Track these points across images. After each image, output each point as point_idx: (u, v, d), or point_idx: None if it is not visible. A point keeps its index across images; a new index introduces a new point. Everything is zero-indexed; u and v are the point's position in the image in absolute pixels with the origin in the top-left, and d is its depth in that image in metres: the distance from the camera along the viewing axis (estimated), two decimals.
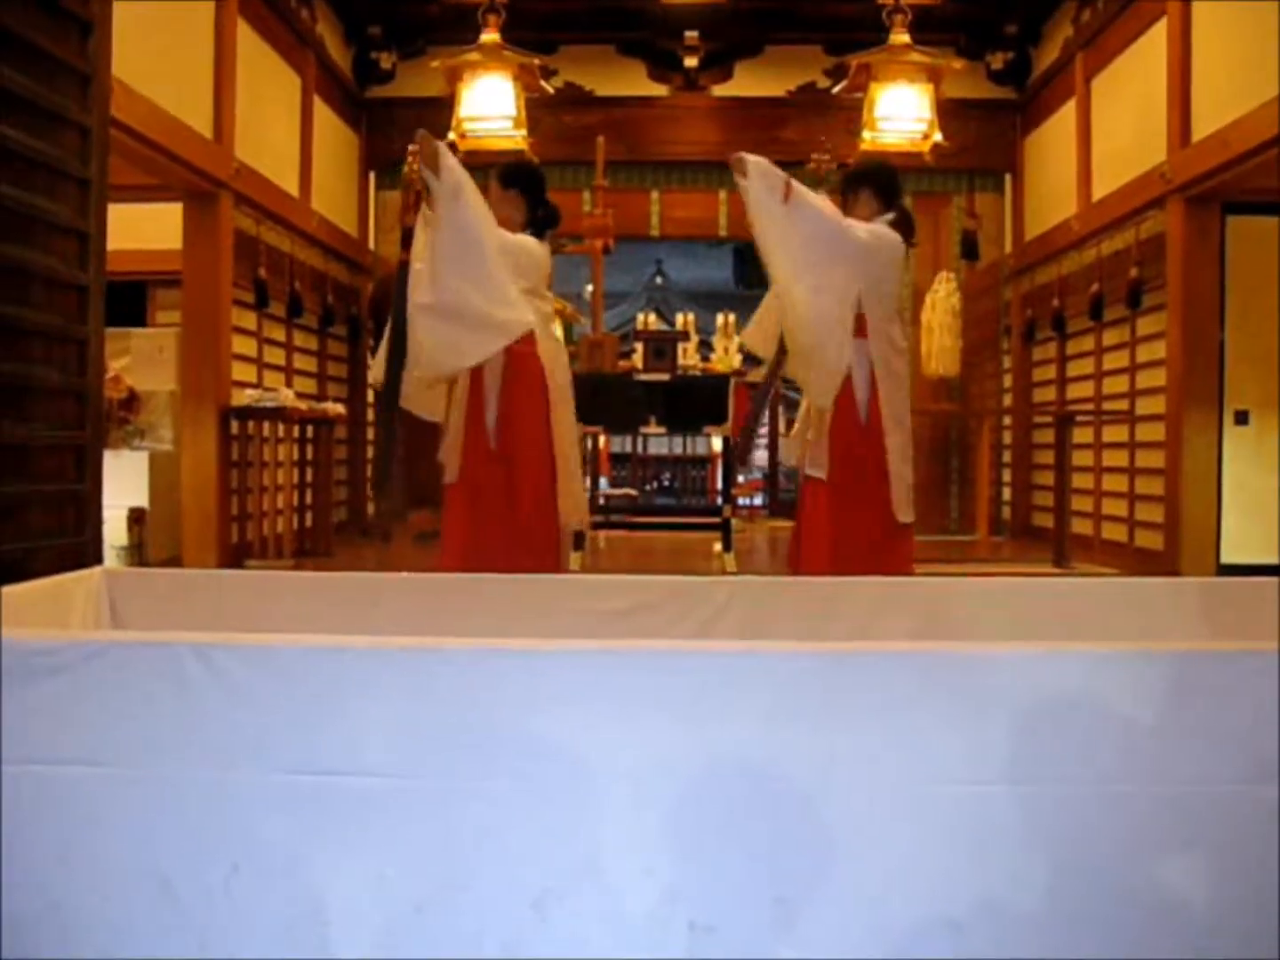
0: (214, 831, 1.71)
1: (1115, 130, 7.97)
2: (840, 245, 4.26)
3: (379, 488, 4.13)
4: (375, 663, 1.71)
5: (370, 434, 9.91)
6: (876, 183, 4.50)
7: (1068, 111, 8.74)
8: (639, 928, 1.65)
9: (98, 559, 3.25)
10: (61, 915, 1.72)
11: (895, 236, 4.42)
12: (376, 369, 4.43)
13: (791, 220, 4.19)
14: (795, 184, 4.25)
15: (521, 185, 4.55)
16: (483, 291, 4.06)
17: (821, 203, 4.37)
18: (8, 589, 2.41)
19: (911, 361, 5.06)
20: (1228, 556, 7.06)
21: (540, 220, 4.53)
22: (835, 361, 4.26)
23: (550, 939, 1.65)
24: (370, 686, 1.69)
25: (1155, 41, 7.29)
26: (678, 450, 15.41)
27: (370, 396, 9.89)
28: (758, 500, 12.99)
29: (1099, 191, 8.16)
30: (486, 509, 4.32)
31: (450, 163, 4.04)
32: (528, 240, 4.45)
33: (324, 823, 1.69)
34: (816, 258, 4.21)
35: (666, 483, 14.98)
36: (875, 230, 4.38)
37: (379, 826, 1.68)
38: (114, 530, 6.38)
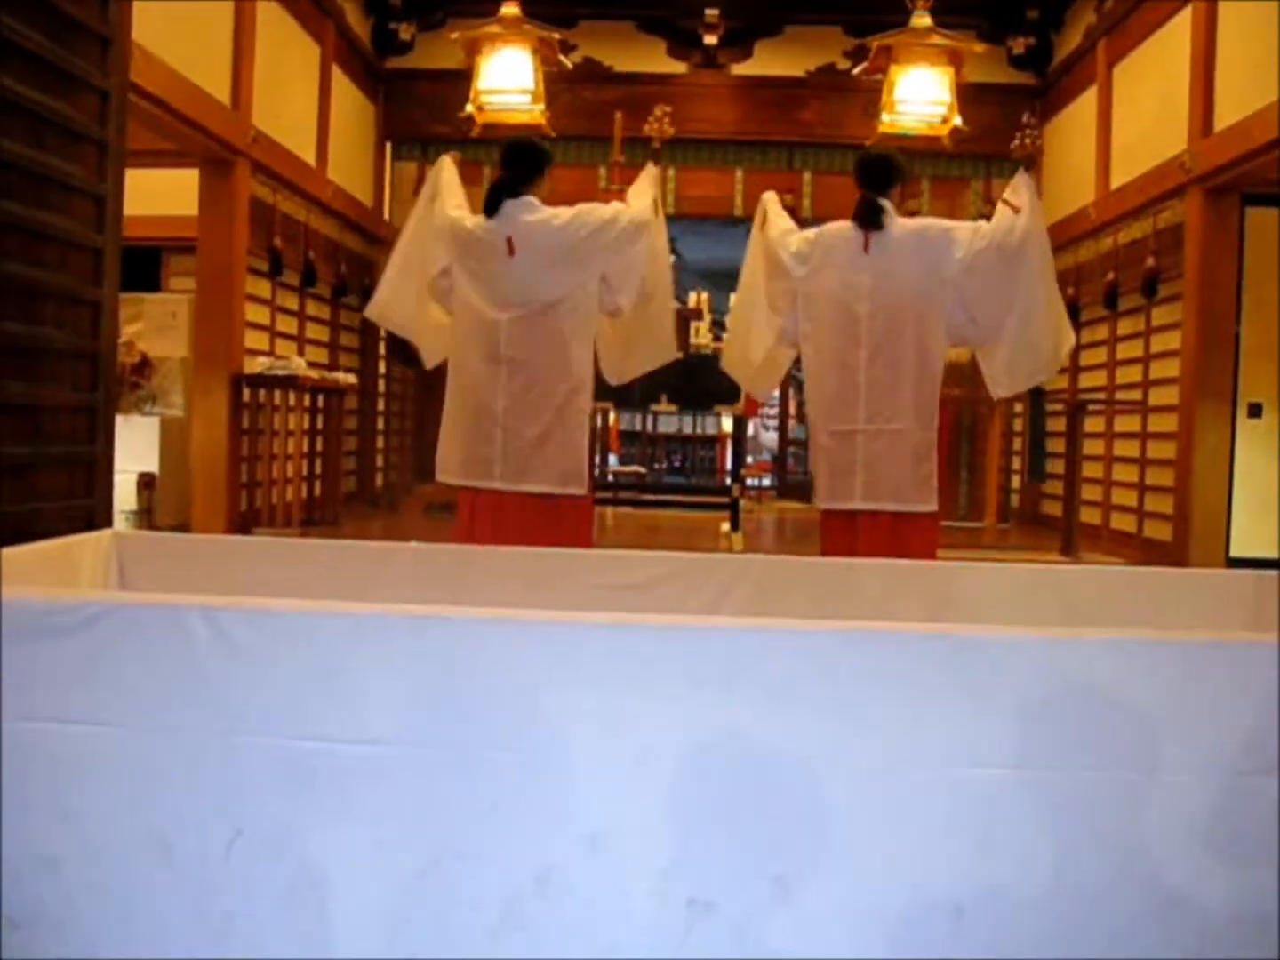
0: (217, 795, 1.71)
1: (1136, 118, 7.92)
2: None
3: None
4: (382, 630, 1.71)
5: (381, 405, 9.92)
6: (862, 178, 4.48)
7: (1088, 99, 8.69)
8: (639, 903, 1.65)
9: (107, 522, 3.25)
10: (61, 872, 1.73)
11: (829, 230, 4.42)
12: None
13: None
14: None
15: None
16: None
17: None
18: (17, 548, 2.41)
19: None
20: (1237, 550, 7.04)
21: None
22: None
23: (551, 911, 1.66)
24: (377, 653, 1.70)
25: (1179, 30, 7.24)
26: (687, 429, 15.40)
27: (382, 366, 9.90)
28: (766, 481, 12.98)
29: (1117, 180, 8.12)
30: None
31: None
32: None
33: (327, 789, 1.69)
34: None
35: (675, 461, 14.96)
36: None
37: (382, 794, 1.68)
38: (123, 495, 6.40)
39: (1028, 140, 4.41)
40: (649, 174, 4.45)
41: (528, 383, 4.17)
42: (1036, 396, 4.34)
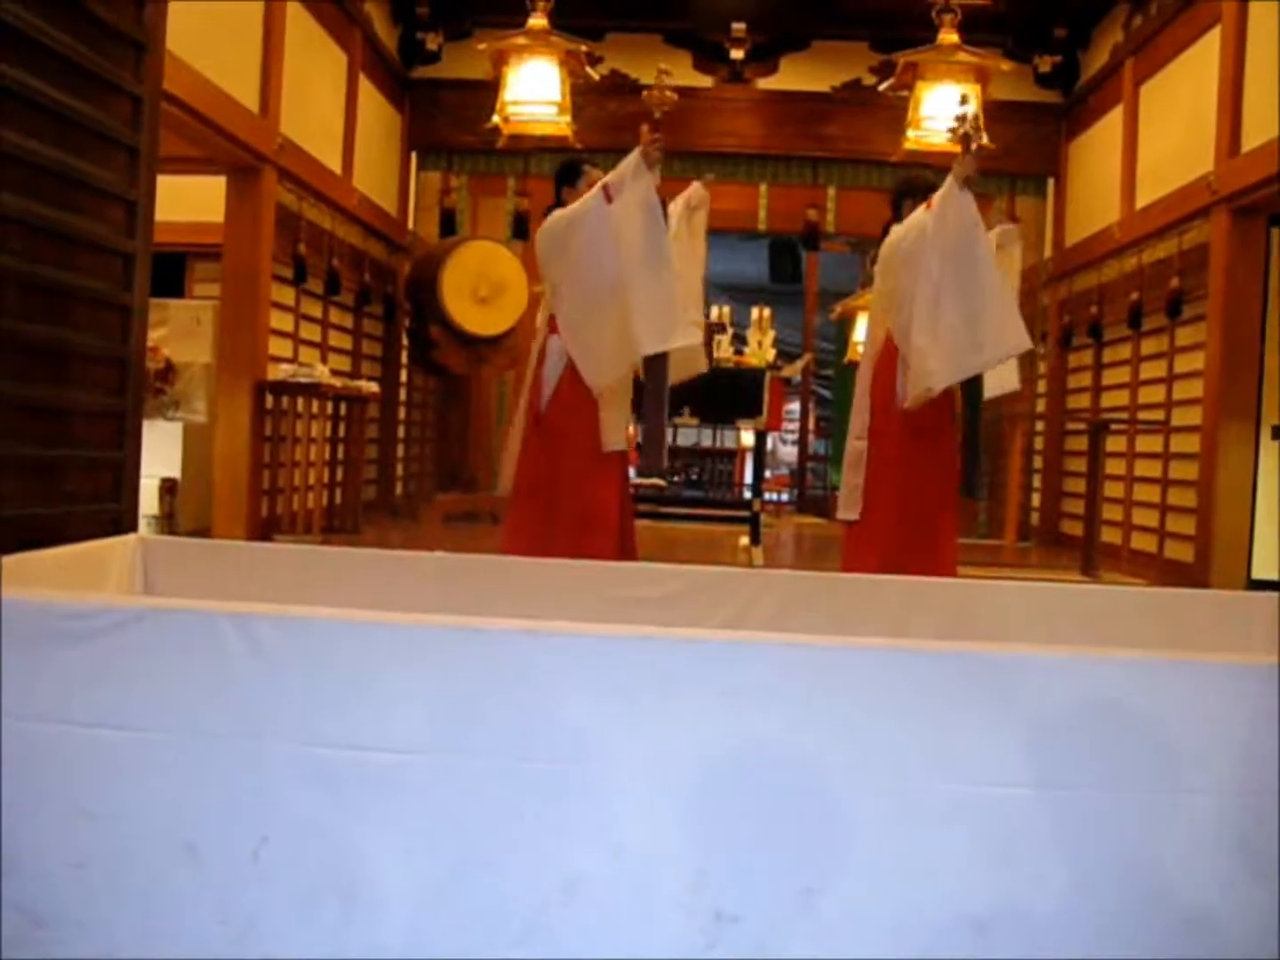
0: (244, 801, 1.72)
1: (1162, 138, 7.91)
2: None
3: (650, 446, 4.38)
4: (411, 640, 1.72)
5: (402, 413, 9.94)
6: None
7: (1114, 117, 8.68)
8: (666, 915, 1.66)
9: (133, 526, 3.27)
10: (88, 874, 1.74)
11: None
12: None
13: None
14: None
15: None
16: None
17: None
18: (46, 551, 2.43)
19: None
20: (1259, 572, 7.00)
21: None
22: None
23: (575, 921, 1.66)
24: (405, 663, 1.71)
25: (1207, 50, 7.23)
26: (706, 442, 15.40)
27: (404, 375, 9.93)
28: (784, 496, 12.97)
29: (1143, 199, 8.10)
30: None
31: None
32: None
33: (354, 797, 1.70)
34: None
35: (694, 475, 14.96)
36: None
37: (409, 803, 1.69)
38: (145, 499, 6.41)
39: (964, 123, 4.44)
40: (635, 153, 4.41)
41: None
42: (973, 398, 4.28)
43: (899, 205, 4.61)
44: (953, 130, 4.50)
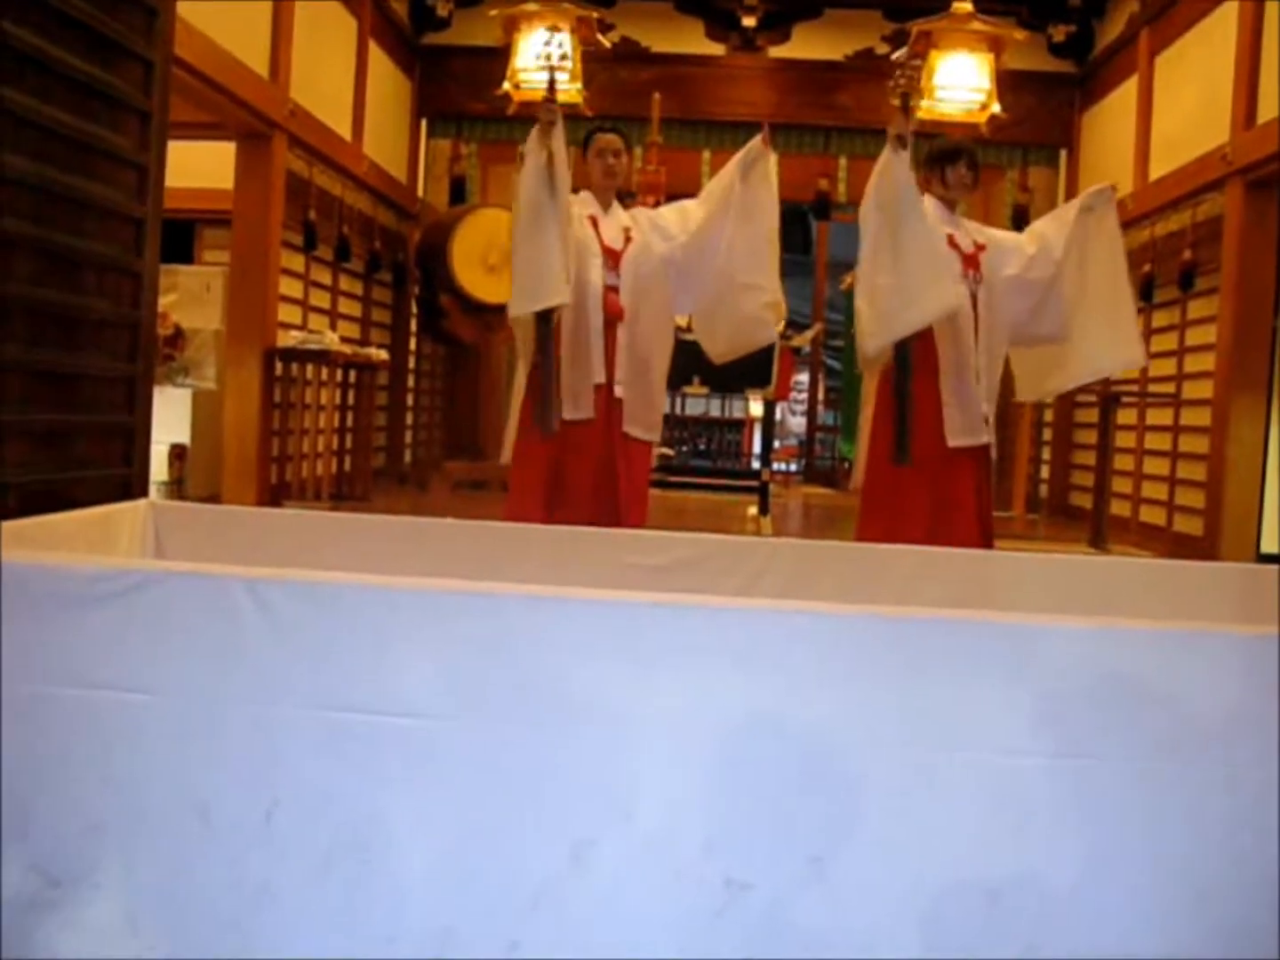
0: (256, 765, 1.73)
1: (1176, 109, 7.86)
2: None
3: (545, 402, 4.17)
4: (423, 605, 1.72)
5: (411, 381, 9.94)
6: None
7: (1129, 88, 8.63)
8: (675, 882, 1.66)
9: (143, 491, 3.27)
10: (102, 836, 1.75)
11: None
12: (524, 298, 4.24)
13: None
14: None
15: None
16: None
17: None
18: (58, 515, 2.44)
19: None
20: (1267, 546, 7.01)
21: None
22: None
23: (587, 888, 1.66)
24: (418, 628, 1.71)
25: (1224, 21, 7.18)
26: (714, 412, 15.38)
27: (413, 342, 9.92)
28: (792, 467, 12.96)
29: (1156, 171, 8.06)
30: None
31: None
32: None
33: (366, 761, 1.70)
34: None
35: (701, 444, 14.94)
36: None
37: (420, 767, 1.69)
38: (155, 465, 6.42)
39: (903, 79, 4.42)
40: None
41: None
42: (903, 362, 4.24)
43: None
44: (891, 87, 4.46)
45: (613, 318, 4.31)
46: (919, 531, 4.21)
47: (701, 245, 4.35)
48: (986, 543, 4.28)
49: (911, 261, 4.12)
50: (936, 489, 4.31)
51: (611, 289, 4.30)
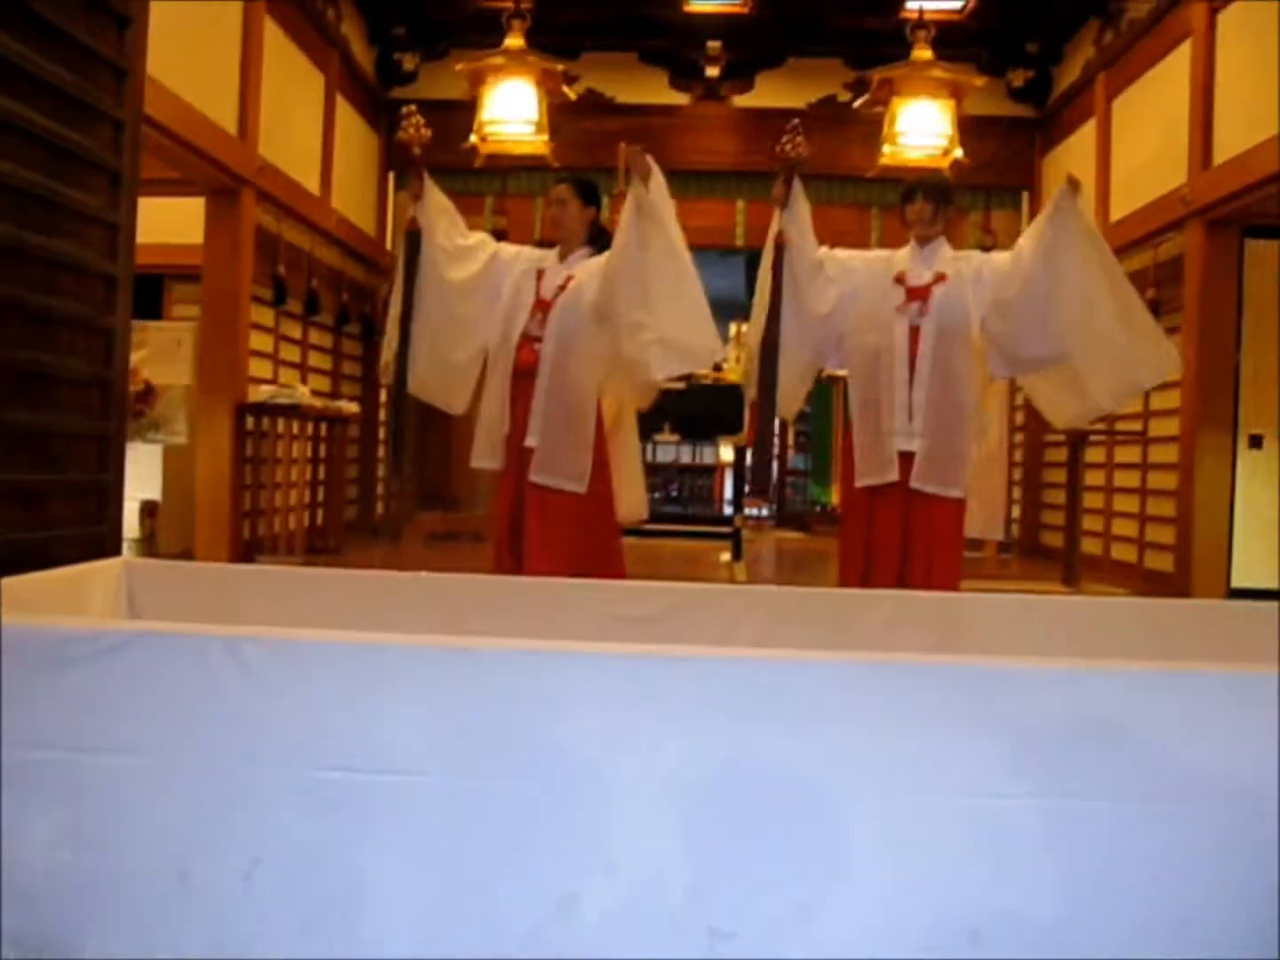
0: (236, 824, 1.72)
1: (1135, 151, 7.98)
2: None
3: (391, 477, 4.17)
4: (403, 660, 1.73)
5: (382, 434, 9.93)
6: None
7: (1088, 131, 8.75)
8: (660, 931, 1.66)
9: (117, 549, 3.26)
10: (82, 898, 1.73)
11: None
12: (389, 349, 4.38)
13: None
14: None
15: (596, 203, 4.56)
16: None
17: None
18: (30, 575, 2.42)
19: None
20: (1238, 580, 7.05)
21: (600, 236, 4.50)
22: None
23: (571, 940, 1.66)
24: (397, 684, 1.71)
25: (1178, 64, 7.30)
26: (685, 459, 15.39)
27: (382, 395, 9.92)
28: (764, 512, 12.96)
29: (1117, 212, 8.17)
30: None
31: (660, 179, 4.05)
32: None
33: (347, 819, 1.70)
34: None
35: (674, 491, 14.95)
36: None
37: (403, 824, 1.69)
38: (127, 522, 6.36)
39: (789, 146, 4.45)
40: None
41: None
42: (768, 392, 4.27)
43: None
44: (782, 149, 4.48)
45: (523, 368, 4.27)
46: (854, 572, 4.28)
47: (605, 285, 4.14)
48: (926, 585, 4.15)
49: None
50: (871, 529, 4.35)
51: (533, 339, 4.26)
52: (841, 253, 4.47)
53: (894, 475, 4.26)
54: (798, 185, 4.40)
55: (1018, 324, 4.22)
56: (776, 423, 4.40)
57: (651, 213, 4.00)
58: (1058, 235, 4.15)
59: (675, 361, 4.04)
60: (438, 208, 4.41)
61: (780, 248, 4.32)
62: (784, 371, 4.25)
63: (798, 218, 4.35)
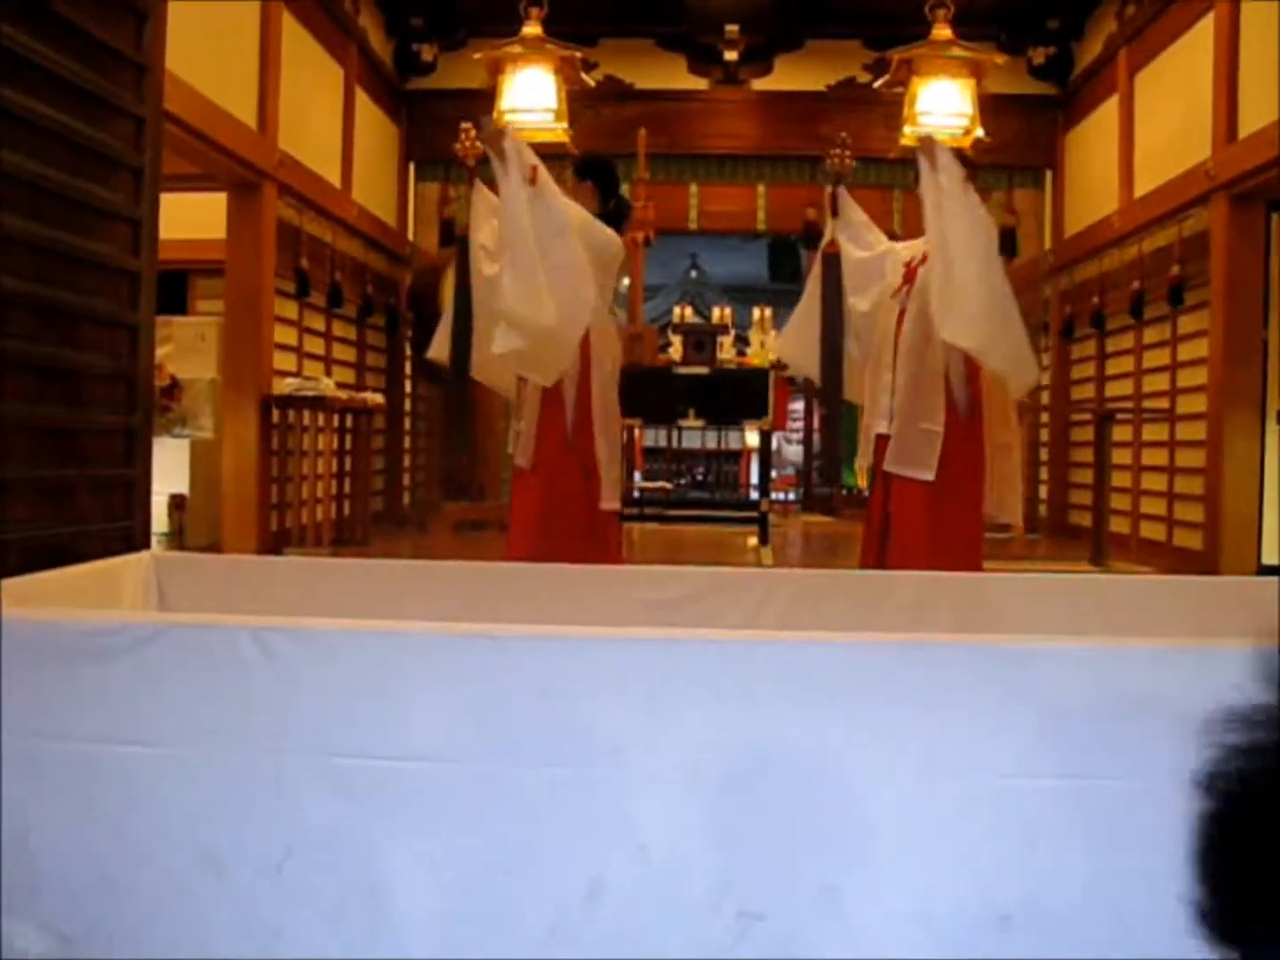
0: (267, 814, 1.73)
1: (1159, 126, 7.91)
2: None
3: (449, 462, 4.24)
4: (430, 648, 1.73)
5: (407, 424, 9.96)
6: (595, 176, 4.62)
7: (1110, 107, 8.68)
8: (688, 915, 1.66)
9: (145, 543, 3.28)
10: (114, 888, 1.75)
11: None
12: (440, 345, 4.49)
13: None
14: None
15: (595, 177, 4.63)
16: (556, 299, 4.07)
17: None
18: (61, 570, 2.45)
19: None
20: (1268, 557, 7.00)
21: (613, 212, 4.56)
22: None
23: (600, 924, 1.66)
24: (425, 672, 1.71)
25: (1201, 37, 7.23)
26: (711, 444, 15.39)
27: (409, 385, 9.94)
28: (790, 496, 12.96)
29: (1141, 188, 8.10)
30: (563, 495, 4.35)
31: (515, 146, 4.08)
32: (602, 225, 4.55)
33: (377, 807, 1.71)
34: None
35: (700, 476, 14.95)
36: None
37: (432, 811, 1.70)
38: (155, 516, 6.42)
39: (836, 159, 4.44)
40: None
41: None
42: (832, 385, 4.25)
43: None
44: (825, 168, 4.51)
45: None
46: (870, 556, 4.32)
47: None
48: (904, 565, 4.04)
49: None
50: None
51: None
52: (900, 246, 4.56)
53: (870, 457, 4.34)
54: (844, 193, 4.47)
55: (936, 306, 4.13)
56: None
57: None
58: (937, 203, 4.26)
59: (515, 338, 4.10)
60: (487, 209, 4.55)
61: (830, 257, 4.31)
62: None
63: (849, 225, 4.37)
